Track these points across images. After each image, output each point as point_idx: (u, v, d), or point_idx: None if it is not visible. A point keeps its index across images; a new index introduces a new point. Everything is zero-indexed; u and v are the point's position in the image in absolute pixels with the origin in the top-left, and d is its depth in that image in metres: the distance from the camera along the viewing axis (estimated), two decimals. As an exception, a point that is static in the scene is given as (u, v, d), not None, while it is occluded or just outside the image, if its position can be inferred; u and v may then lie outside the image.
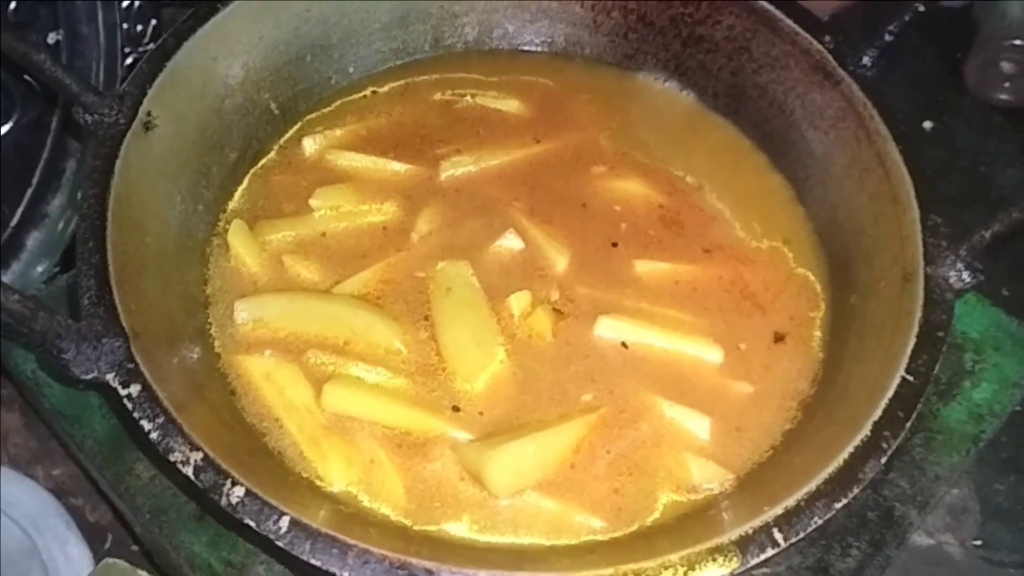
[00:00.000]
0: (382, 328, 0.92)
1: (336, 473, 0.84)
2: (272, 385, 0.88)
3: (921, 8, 0.97)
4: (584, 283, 0.97)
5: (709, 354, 0.93)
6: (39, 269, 1.18)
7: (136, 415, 0.74)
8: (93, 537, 1.13)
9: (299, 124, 1.10)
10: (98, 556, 1.11)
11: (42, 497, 1.12)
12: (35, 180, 1.15)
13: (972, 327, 1.04)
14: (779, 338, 0.95)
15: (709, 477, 0.85)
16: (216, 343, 0.92)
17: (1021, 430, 1.22)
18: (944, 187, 0.92)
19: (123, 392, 0.75)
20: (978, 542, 1.20)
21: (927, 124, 1.54)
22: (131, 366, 0.76)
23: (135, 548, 1.13)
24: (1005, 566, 1.16)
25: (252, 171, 1.06)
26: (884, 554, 0.90)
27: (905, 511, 0.93)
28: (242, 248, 0.97)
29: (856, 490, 0.74)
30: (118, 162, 0.87)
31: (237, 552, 0.89)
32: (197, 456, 0.73)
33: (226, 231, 0.99)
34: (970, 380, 1.02)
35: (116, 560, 0.92)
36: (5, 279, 1.13)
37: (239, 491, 0.71)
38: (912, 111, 1.52)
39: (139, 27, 1.15)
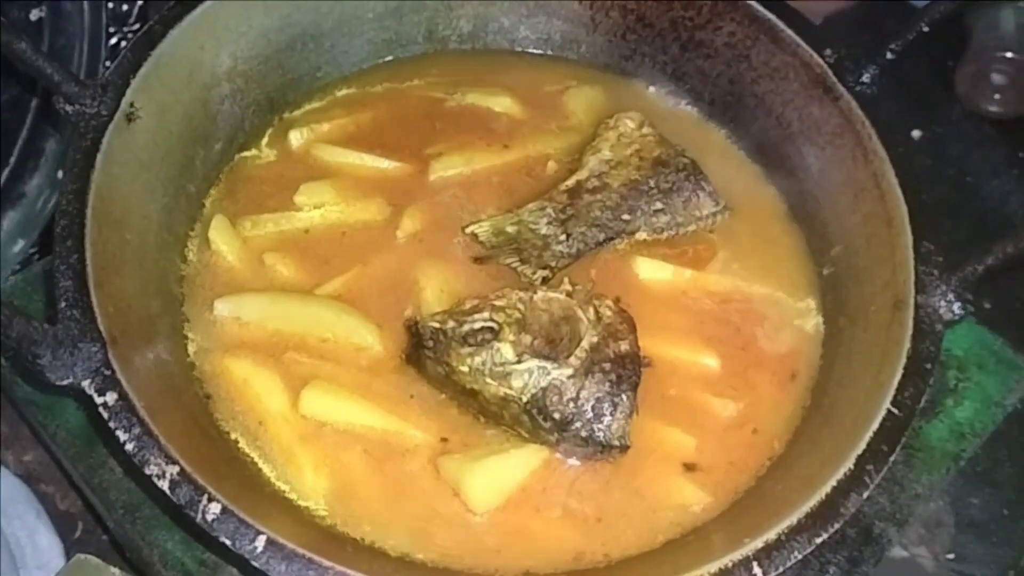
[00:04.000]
0: (363, 331, 0.91)
1: (312, 486, 0.83)
2: (249, 391, 0.87)
3: (926, 29, 0.95)
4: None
5: (705, 361, 0.92)
6: (15, 249, 1.16)
7: (112, 425, 0.73)
8: (63, 526, 1.11)
9: (286, 116, 1.08)
10: (68, 545, 1.09)
11: (11, 483, 1.10)
12: (12, 159, 1.12)
13: (957, 344, 1.04)
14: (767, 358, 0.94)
15: (694, 501, 0.84)
16: (193, 344, 0.90)
17: (998, 445, 1.22)
18: (930, 196, 0.92)
19: (99, 400, 0.73)
20: (951, 555, 1.21)
21: (916, 133, 1.53)
22: (107, 372, 0.74)
23: (106, 538, 1.12)
24: (977, 579, 1.17)
25: (236, 164, 1.03)
26: (861, 571, 0.90)
27: (884, 528, 0.93)
28: (223, 244, 0.95)
29: (837, 525, 0.74)
30: (99, 156, 0.85)
31: (211, 551, 0.88)
32: (173, 470, 0.71)
33: (207, 226, 0.96)
34: (953, 398, 1.01)
35: (88, 556, 0.91)
36: (-22, 259, 1.10)
37: (215, 508, 0.70)
38: (901, 119, 1.51)
39: (124, 6, 1.12)
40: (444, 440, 0.86)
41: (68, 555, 1.07)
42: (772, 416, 0.90)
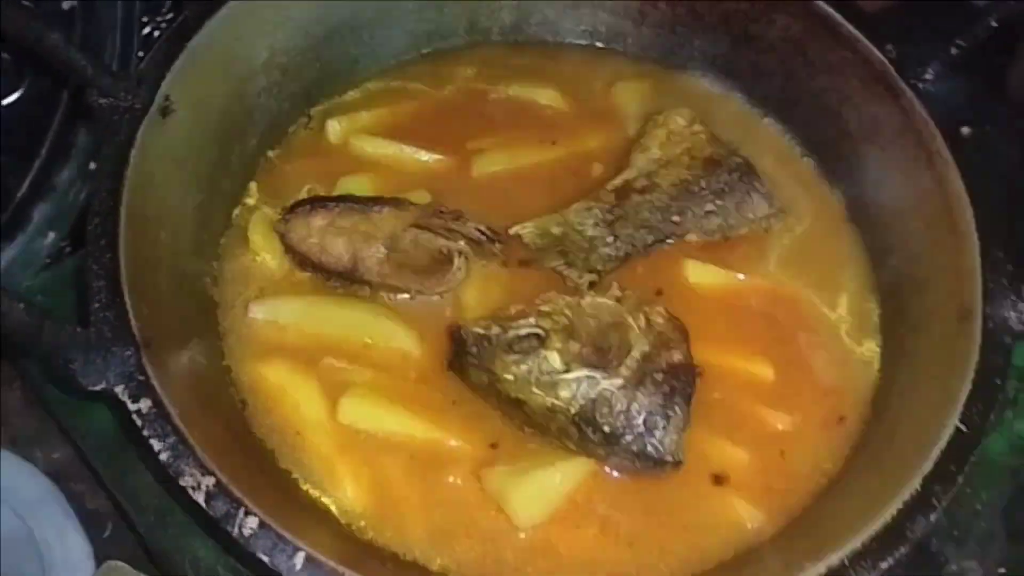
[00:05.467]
0: (403, 336, 0.88)
1: (351, 498, 0.80)
2: (286, 398, 0.85)
3: (995, 25, 0.90)
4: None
5: (759, 371, 0.89)
6: (46, 242, 1.13)
7: (146, 433, 0.70)
8: (93, 525, 1.08)
9: (323, 108, 1.05)
10: (97, 545, 1.07)
11: (41, 483, 1.08)
12: (44, 151, 1.09)
13: (1017, 355, 0.99)
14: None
15: (747, 518, 0.81)
16: (228, 348, 0.88)
17: (1049, 456, 1.18)
18: (983, 197, 0.89)
19: (132, 407, 0.71)
20: (1002, 570, 1.17)
21: (965, 130, 1.48)
22: (141, 378, 0.72)
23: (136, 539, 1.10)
24: (1030, 594, 1.13)
25: (272, 159, 1.01)
26: (917, 586, 0.87)
27: (941, 546, 0.90)
28: (262, 242, 0.93)
29: (903, 550, 0.70)
30: (133, 151, 0.82)
31: (246, 567, 0.85)
32: (209, 481, 0.69)
33: (244, 223, 0.94)
34: (1013, 410, 0.97)
35: (118, 563, 0.89)
36: (10, 251, 1.08)
37: (252, 522, 0.68)
38: (951, 116, 1.46)
39: (159, -4, 1.10)
40: (493, 446, 0.83)
41: (97, 556, 1.05)
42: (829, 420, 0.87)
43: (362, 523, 0.79)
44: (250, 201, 0.97)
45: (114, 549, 1.05)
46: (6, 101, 1.09)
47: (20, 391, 1.17)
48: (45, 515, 1.06)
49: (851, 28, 0.97)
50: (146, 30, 1.10)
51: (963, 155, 0.89)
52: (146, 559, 1.00)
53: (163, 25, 1.13)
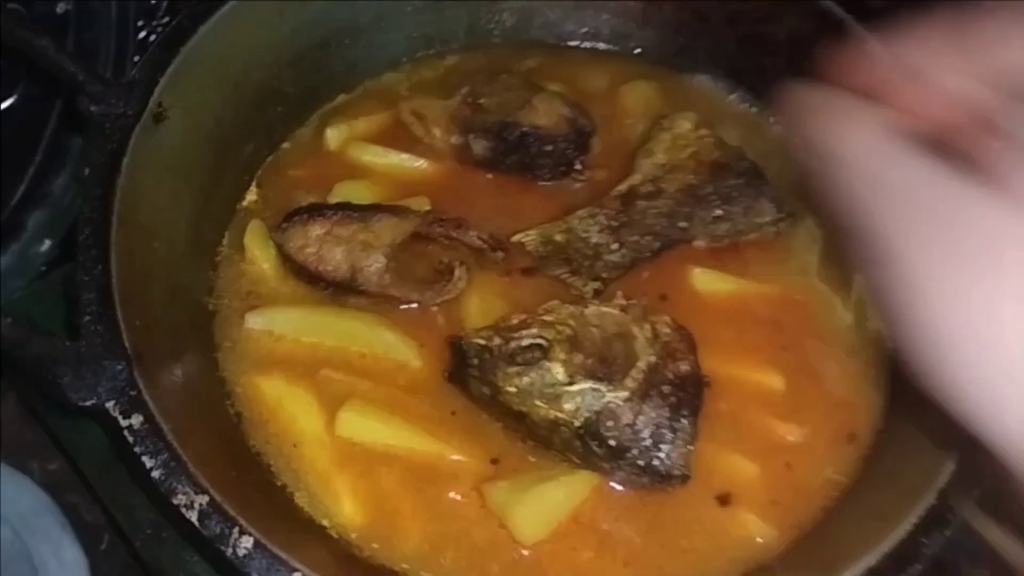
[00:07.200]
0: (402, 347, 0.86)
1: (349, 514, 0.78)
2: (283, 411, 0.83)
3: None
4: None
5: (768, 381, 0.86)
6: (41, 249, 1.12)
7: (137, 450, 0.69)
8: (88, 538, 1.07)
9: (321, 114, 1.04)
10: (92, 558, 1.05)
11: (36, 496, 1.06)
12: (38, 158, 1.08)
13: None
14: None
15: (757, 533, 0.78)
16: (223, 360, 0.86)
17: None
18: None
19: (123, 423, 0.69)
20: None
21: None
22: (133, 393, 0.70)
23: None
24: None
25: (268, 166, 1.00)
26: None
27: (955, 558, 0.87)
28: (258, 251, 0.92)
29: (920, 567, 0.68)
30: (125, 158, 0.81)
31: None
32: (202, 500, 0.67)
33: (239, 233, 0.92)
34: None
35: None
36: (5, 259, 1.07)
37: (247, 542, 0.66)
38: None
39: (153, 0, 1.07)
40: (495, 461, 0.81)
41: (93, 569, 1.04)
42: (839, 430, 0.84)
43: (359, 539, 0.77)
44: (246, 209, 0.96)
45: (110, 563, 1.04)
46: (1, 107, 1.07)
47: (15, 403, 1.16)
48: (40, 528, 1.05)
49: (859, 29, 0.95)
50: (142, 34, 1.08)
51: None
52: (142, 573, 0.99)
53: (159, 29, 1.12)
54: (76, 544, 1.05)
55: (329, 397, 0.83)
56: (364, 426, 0.82)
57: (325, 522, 0.78)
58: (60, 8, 1.05)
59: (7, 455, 1.10)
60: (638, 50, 1.10)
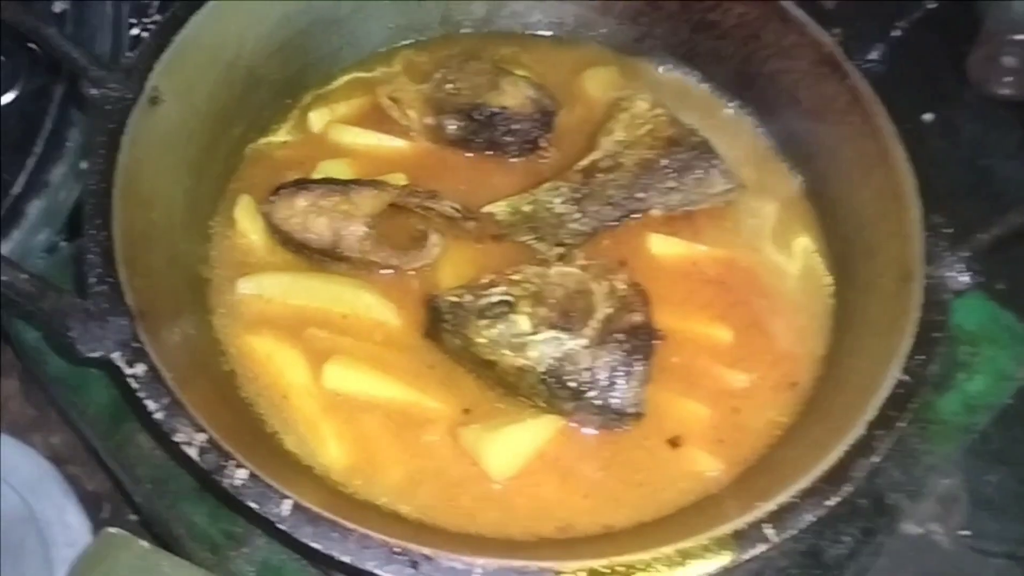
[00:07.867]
0: (381, 307, 0.93)
1: (334, 456, 0.85)
2: (272, 366, 0.89)
3: (933, 5, 0.96)
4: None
5: (717, 334, 0.94)
6: (40, 238, 1.17)
7: (141, 395, 0.75)
8: (91, 506, 1.13)
9: (306, 98, 1.10)
10: (96, 525, 1.11)
11: (40, 464, 1.12)
12: (38, 149, 1.14)
13: (968, 320, 1.05)
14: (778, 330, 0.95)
15: (707, 468, 0.86)
16: (218, 321, 0.92)
17: (1012, 423, 1.22)
18: (943, 179, 0.92)
19: (128, 371, 0.76)
20: (966, 532, 1.21)
21: (927, 116, 1.53)
22: (136, 345, 0.77)
23: (133, 517, 1.14)
24: (992, 555, 1.17)
25: (257, 146, 1.06)
26: (875, 541, 0.92)
27: (897, 499, 0.95)
28: (248, 224, 0.98)
29: (847, 488, 0.75)
30: (124, 137, 0.87)
31: (238, 524, 0.91)
32: (201, 437, 0.74)
33: (230, 207, 0.99)
34: (965, 372, 1.03)
35: (116, 530, 0.92)
36: (6, 248, 1.13)
37: (243, 473, 0.72)
38: (913, 103, 1.51)
39: (145, -1, 1.15)
40: (466, 411, 0.88)
41: (96, 533, 1.10)
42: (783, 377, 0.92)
43: (343, 477, 0.84)
44: (237, 185, 1.02)
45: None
46: (2, 101, 1.14)
47: (18, 379, 1.22)
48: (44, 493, 1.10)
49: (802, 13, 1.02)
50: (134, 31, 1.15)
51: (924, 139, 0.94)
52: (143, 534, 1.05)
53: (151, 27, 1.17)
54: (80, 510, 1.11)
55: (314, 353, 0.90)
56: (348, 377, 0.88)
57: (312, 463, 0.85)
58: (57, 7, 1.12)
59: (11, 430, 1.16)
60: (600, 37, 1.17)
